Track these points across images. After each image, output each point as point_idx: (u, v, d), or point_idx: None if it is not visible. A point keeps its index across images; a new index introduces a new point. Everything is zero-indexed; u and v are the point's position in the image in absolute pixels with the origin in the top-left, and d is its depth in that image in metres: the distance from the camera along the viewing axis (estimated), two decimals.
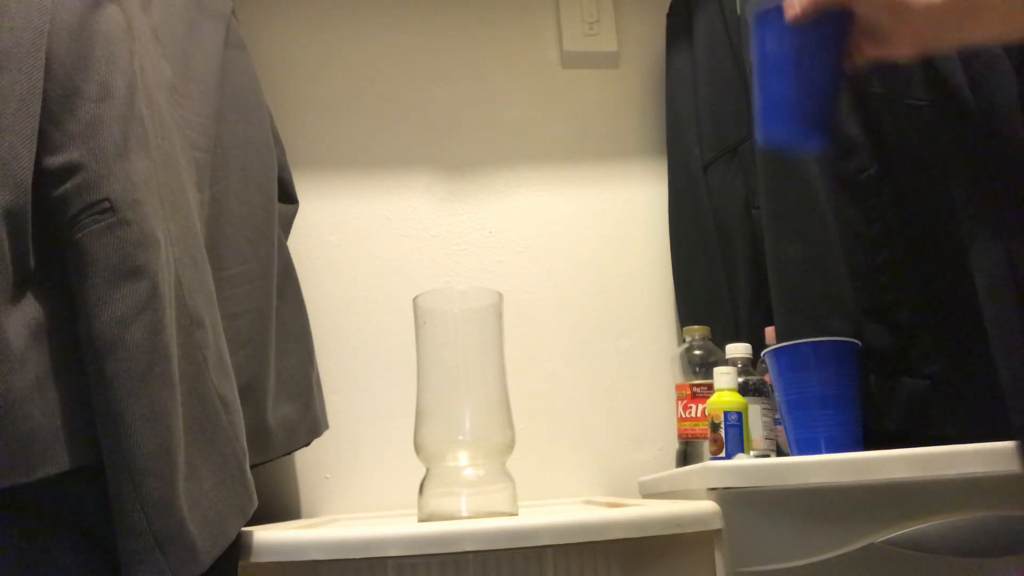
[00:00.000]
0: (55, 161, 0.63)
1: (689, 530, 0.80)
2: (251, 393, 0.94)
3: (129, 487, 0.62)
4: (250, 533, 0.76)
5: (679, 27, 1.39)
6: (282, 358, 1.05)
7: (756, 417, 1.03)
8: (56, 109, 0.64)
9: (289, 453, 1.11)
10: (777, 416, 1.01)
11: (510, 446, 0.92)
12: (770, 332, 1.08)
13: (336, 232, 1.36)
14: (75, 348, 0.63)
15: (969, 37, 0.68)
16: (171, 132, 0.79)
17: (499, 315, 0.95)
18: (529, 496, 1.22)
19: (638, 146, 1.44)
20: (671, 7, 1.43)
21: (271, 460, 1.03)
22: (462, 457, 0.89)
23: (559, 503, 1.24)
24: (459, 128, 1.42)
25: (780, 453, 1.02)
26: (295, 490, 1.27)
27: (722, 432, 1.02)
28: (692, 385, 1.18)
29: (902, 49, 0.71)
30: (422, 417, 0.91)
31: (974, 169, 0.83)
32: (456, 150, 1.41)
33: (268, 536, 0.77)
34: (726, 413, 1.02)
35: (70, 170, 0.63)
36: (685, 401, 1.18)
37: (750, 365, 1.08)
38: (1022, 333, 0.73)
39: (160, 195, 0.71)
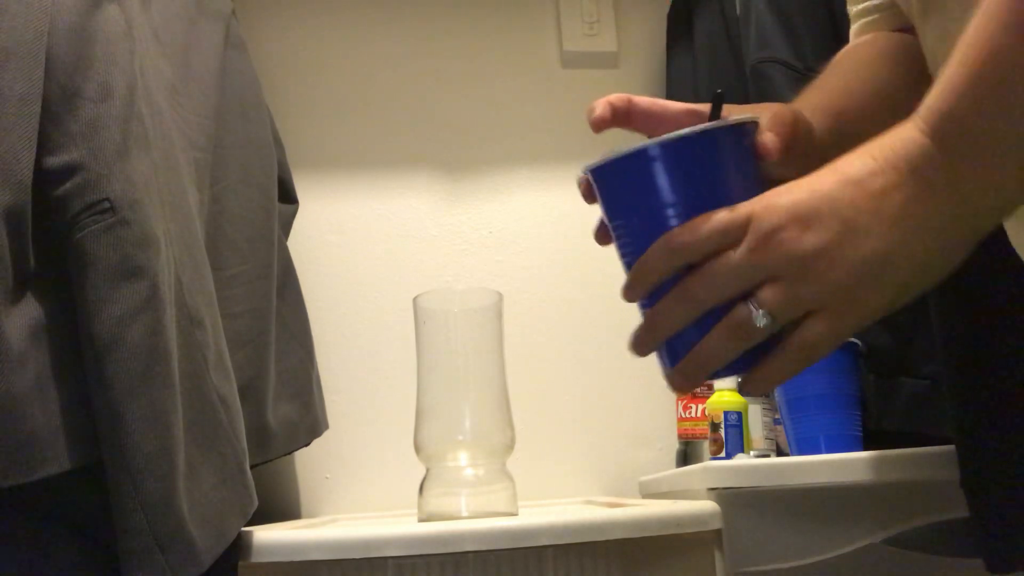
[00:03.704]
0: (55, 161, 0.63)
1: (689, 530, 0.80)
2: (251, 393, 0.94)
3: (129, 487, 0.62)
4: (250, 533, 0.76)
5: (679, 27, 1.39)
6: (282, 358, 1.05)
7: (756, 417, 1.03)
8: (56, 109, 0.63)
9: (289, 453, 1.11)
10: (777, 416, 1.01)
11: (510, 446, 0.92)
12: None
13: (336, 232, 1.36)
14: (75, 348, 0.63)
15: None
16: (171, 132, 0.79)
17: (499, 315, 0.95)
18: (529, 496, 1.22)
19: None
20: (671, 7, 1.43)
21: (271, 460, 1.04)
22: (462, 457, 0.89)
23: (559, 503, 1.24)
24: (459, 128, 1.42)
25: (780, 453, 1.02)
26: (295, 490, 1.27)
27: (722, 432, 1.02)
28: None
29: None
30: (422, 417, 0.91)
31: None
32: (456, 150, 1.41)
33: (268, 536, 0.77)
34: (726, 413, 1.02)
35: (70, 170, 0.63)
36: (685, 401, 1.18)
37: None
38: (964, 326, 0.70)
39: (160, 195, 0.71)
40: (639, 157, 0.49)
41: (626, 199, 0.51)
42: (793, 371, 0.47)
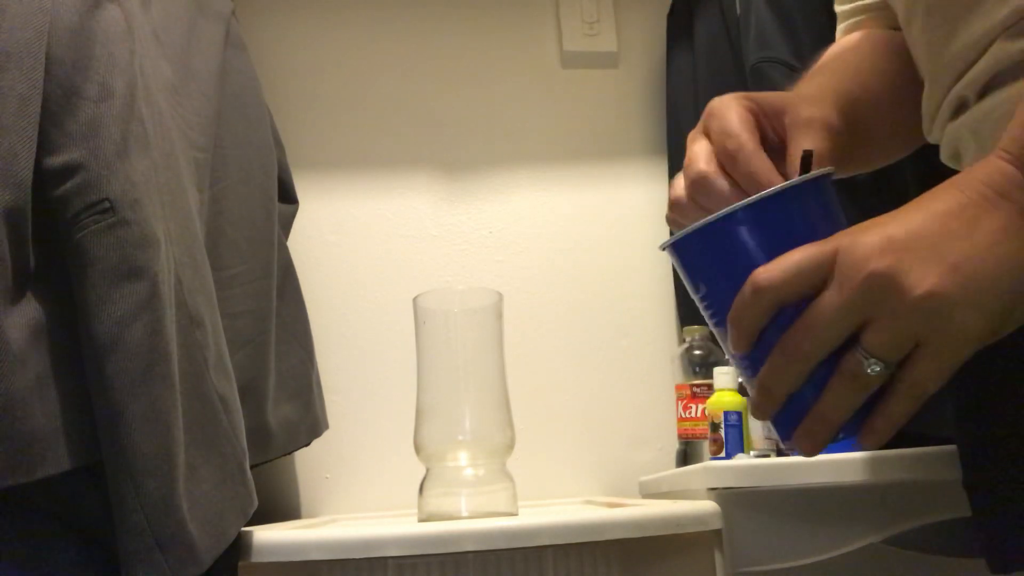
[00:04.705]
0: (55, 161, 0.63)
1: (689, 530, 0.80)
2: (251, 393, 0.94)
3: (129, 487, 0.62)
4: (250, 533, 0.76)
5: (679, 27, 1.39)
6: (282, 358, 1.05)
7: None
8: (56, 109, 0.64)
9: (289, 453, 1.11)
10: None
11: (510, 446, 0.92)
12: None
13: (336, 232, 1.36)
14: (75, 348, 0.63)
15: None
16: (171, 132, 0.79)
17: (499, 315, 0.95)
18: (529, 496, 1.22)
19: (638, 146, 1.44)
20: (671, 7, 1.43)
21: (271, 460, 1.04)
22: (462, 457, 0.89)
23: (559, 503, 1.24)
24: (459, 128, 1.42)
25: (780, 453, 1.02)
26: (295, 490, 1.27)
27: (722, 432, 1.02)
28: (692, 385, 1.18)
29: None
30: (422, 417, 0.91)
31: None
32: (456, 150, 1.41)
33: (268, 536, 0.77)
34: (726, 413, 1.02)
35: (70, 170, 0.63)
36: (685, 401, 1.18)
37: None
38: None
39: (160, 195, 0.71)
40: (725, 223, 0.48)
41: (713, 265, 0.50)
42: (908, 412, 0.45)
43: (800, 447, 0.48)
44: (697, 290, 0.52)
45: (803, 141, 0.54)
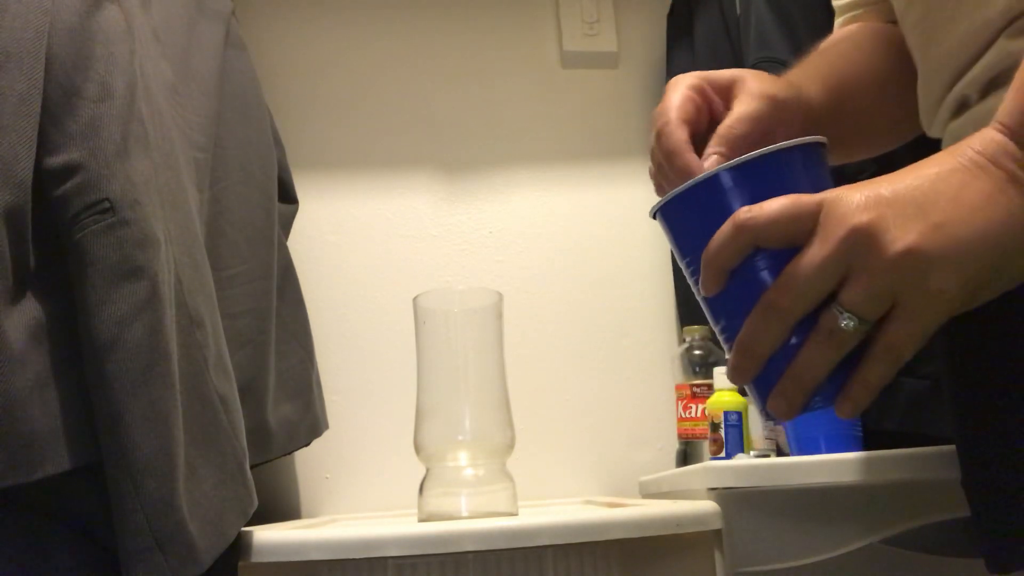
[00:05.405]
0: (55, 161, 0.63)
1: (689, 530, 0.80)
2: (251, 393, 0.94)
3: (129, 487, 0.62)
4: (250, 533, 0.76)
5: (679, 27, 1.39)
6: (282, 358, 1.05)
7: (756, 417, 1.03)
8: (56, 109, 0.64)
9: (289, 453, 1.11)
10: None
11: (510, 446, 0.92)
12: None
13: (336, 232, 1.36)
14: (75, 348, 0.63)
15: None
16: (171, 132, 0.79)
17: (499, 315, 0.95)
18: (529, 496, 1.22)
19: (638, 146, 1.44)
20: (671, 7, 1.43)
21: (271, 460, 1.04)
22: (462, 457, 0.89)
23: (559, 503, 1.24)
24: (459, 128, 1.42)
25: (780, 453, 1.02)
26: (295, 490, 1.27)
27: (722, 432, 1.02)
28: (692, 385, 1.18)
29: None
30: (422, 417, 0.91)
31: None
32: (456, 150, 1.41)
33: (268, 536, 0.77)
34: (726, 413, 1.02)
35: (70, 170, 0.63)
36: (685, 401, 1.18)
37: None
38: None
39: (160, 195, 0.71)
40: (710, 184, 0.48)
41: (699, 229, 0.49)
42: (885, 377, 0.45)
43: (774, 410, 0.48)
44: (683, 256, 0.51)
45: (740, 106, 0.54)
